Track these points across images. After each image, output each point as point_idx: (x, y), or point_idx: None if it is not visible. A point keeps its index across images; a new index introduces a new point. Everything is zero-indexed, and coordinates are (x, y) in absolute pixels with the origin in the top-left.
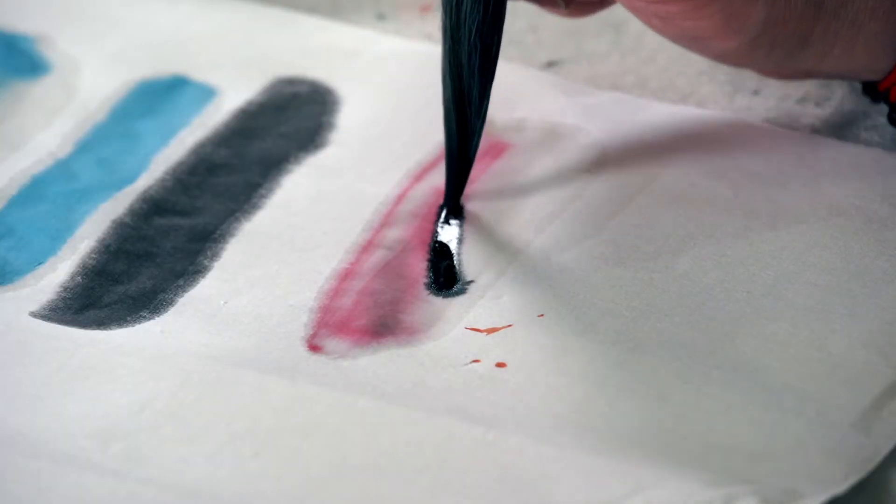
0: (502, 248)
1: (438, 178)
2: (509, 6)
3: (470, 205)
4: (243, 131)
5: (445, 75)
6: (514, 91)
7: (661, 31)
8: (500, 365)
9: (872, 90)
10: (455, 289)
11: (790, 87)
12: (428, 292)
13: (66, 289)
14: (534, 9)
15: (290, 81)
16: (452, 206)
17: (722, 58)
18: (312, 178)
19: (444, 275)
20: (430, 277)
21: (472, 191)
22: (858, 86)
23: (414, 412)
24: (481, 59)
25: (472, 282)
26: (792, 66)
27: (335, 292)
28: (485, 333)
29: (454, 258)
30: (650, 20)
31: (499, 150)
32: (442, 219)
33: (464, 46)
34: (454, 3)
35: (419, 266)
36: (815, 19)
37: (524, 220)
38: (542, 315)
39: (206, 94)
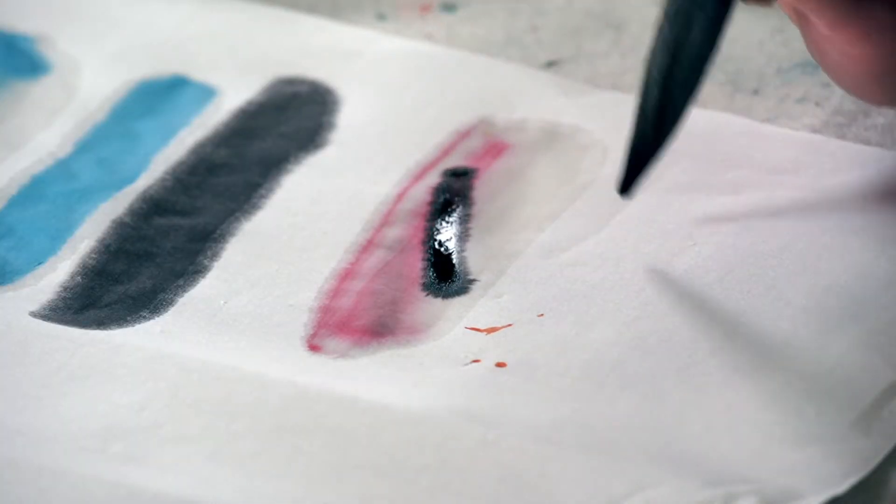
0: (502, 248)
1: (438, 178)
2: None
3: (473, 206)
4: (243, 131)
5: (651, 84)
6: (514, 91)
7: (840, 78)
8: (500, 365)
9: None
10: (455, 287)
11: (790, 87)
12: (427, 293)
13: (65, 289)
14: (534, 9)
15: (290, 81)
16: (627, 193)
17: (886, 103)
18: (312, 178)
19: (442, 268)
20: (430, 272)
21: (473, 191)
22: None
23: (414, 412)
24: (696, 79)
25: (474, 280)
26: None
27: (335, 292)
28: (485, 333)
29: (453, 254)
30: (840, 79)
31: (499, 150)
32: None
33: (682, 65)
34: (681, 25)
35: (419, 266)
36: None
37: (524, 219)
38: (542, 315)
39: (206, 94)
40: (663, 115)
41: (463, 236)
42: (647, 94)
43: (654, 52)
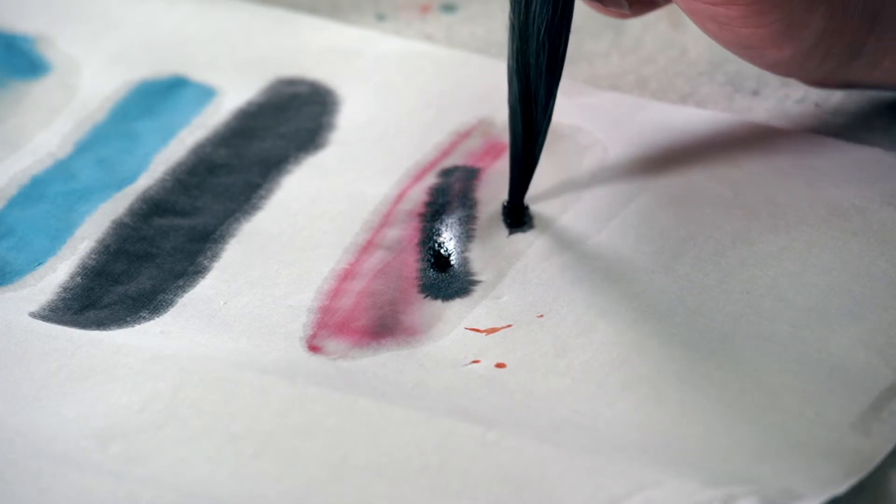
0: (502, 249)
1: (437, 179)
2: None
3: (474, 207)
4: (243, 131)
5: (512, 75)
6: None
7: (716, 37)
8: (500, 365)
9: None
10: (455, 288)
11: (790, 88)
12: (425, 295)
13: (65, 289)
14: None
15: (290, 82)
16: (515, 205)
17: (773, 67)
18: (312, 179)
19: (440, 269)
20: (428, 273)
21: (474, 192)
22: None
23: (414, 412)
24: (549, 59)
25: (476, 282)
26: (841, 77)
27: (335, 293)
28: (484, 334)
29: (452, 255)
30: (706, 24)
31: (499, 150)
32: (504, 218)
33: (532, 46)
34: (523, 3)
35: (417, 267)
36: (869, 32)
37: (524, 221)
38: (541, 315)
39: (206, 94)
40: (529, 105)
41: (464, 237)
42: (511, 88)
43: (509, 45)
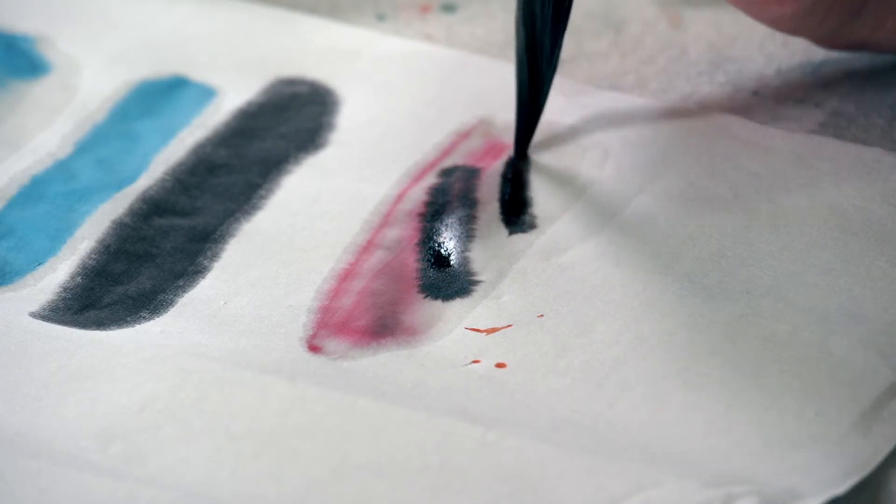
0: (503, 249)
1: (437, 178)
2: None
3: (475, 206)
4: (243, 131)
5: (519, 25)
6: (514, 91)
7: None
8: (500, 365)
9: None
10: (455, 288)
11: (790, 88)
12: (425, 295)
13: (65, 289)
14: None
15: (290, 82)
16: (520, 155)
17: (775, 23)
18: (312, 179)
19: (439, 269)
20: (428, 273)
21: (474, 192)
22: (858, 85)
23: (414, 412)
24: (554, 9)
25: (477, 281)
26: (844, 37)
27: (335, 293)
28: (485, 333)
29: (451, 255)
30: None
31: (499, 150)
32: (505, 168)
33: None
34: None
35: (416, 267)
36: None
37: (524, 220)
38: (541, 315)
39: (206, 94)
40: (535, 55)
41: (464, 237)
42: (518, 38)
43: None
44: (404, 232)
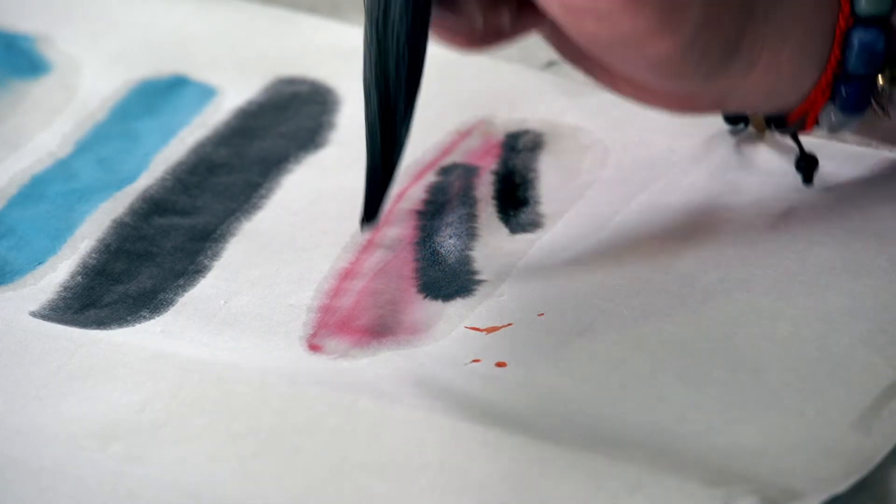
0: (503, 248)
1: (437, 177)
2: None
3: (475, 206)
4: (243, 131)
5: (370, 88)
6: (514, 91)
7: (594, 36)
8: (500, 365)
9: (780, 123)
10: (456, 287)
11: None
12: (425, 295)
13: (66, 288)
14: None
15: (290, 81)
16: (372, 217)
17: (653, 68)
18: (312, 178)
19: (439, 268)
20: (427, 273)
21: (474, 191)
22: None
23: (414, 412)
24: (409, 70)
25: (478, 281)
26: (717, 84)
27: (335, 292)
28: (485, 333)
29: (451, 254)
30: (583, 22)
31: (499, 149)
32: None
33: (391, 57)
34: (381, 12)
35: (416, 266)
36: (747, 23)
37: (524, 220)
38: (542, 315)
39: (206, 93)
40: (388, 118)
41: (464, 235)
42: (369, 102)
43: (365, 57)
44: (404, 231)
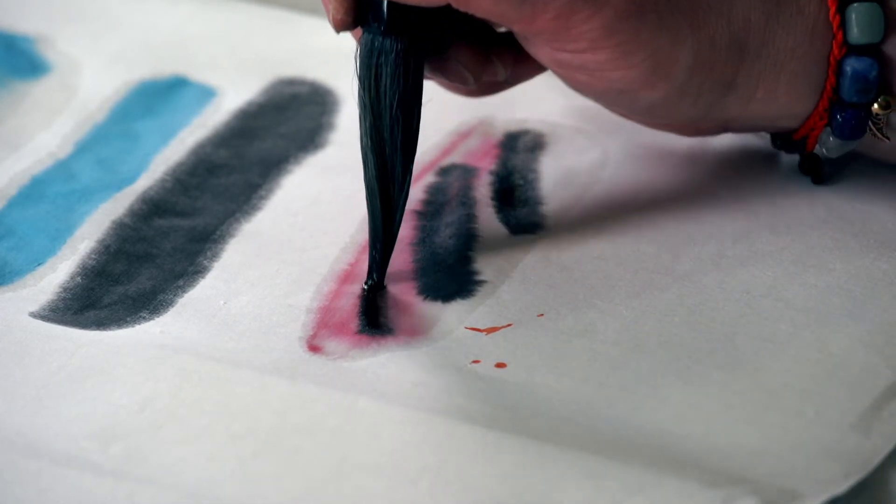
0: (503, 248)
1: (438, 177)
2: None
3: (476, 206)
4: (243, 132)
5: (367, 152)
6: (514, 91)
7: (588, 87)
8: (500, 365)
9: (786, 142)
10: (456, 288)
11: None
12: (425, 296)
13: (65, 289)
14: None
15: (290, 82)
16: (379, 280)
17: (651, 111)
18: (312, 179)
19: (439, 267)
20: (427, 272)
21: (473, 191)
22: None
23: (414, 412)
24: (403, 133)
25: (479, 281)
26: (717, 115)
27: (335, 293)
28: (485, 333)
29: (451, 254)
30: (576, 76)
31: (498, 150)
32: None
33: (385, 121)
34: (373, 79)
35: (416, 266)
36: (740, 62)
37: (524, 220)
38: (542, 315)
39: (206, 94)
40: (386, 182)
41: (464, 236)
42: (367, 166)
43: (361, 123)
44: (403, 231)
